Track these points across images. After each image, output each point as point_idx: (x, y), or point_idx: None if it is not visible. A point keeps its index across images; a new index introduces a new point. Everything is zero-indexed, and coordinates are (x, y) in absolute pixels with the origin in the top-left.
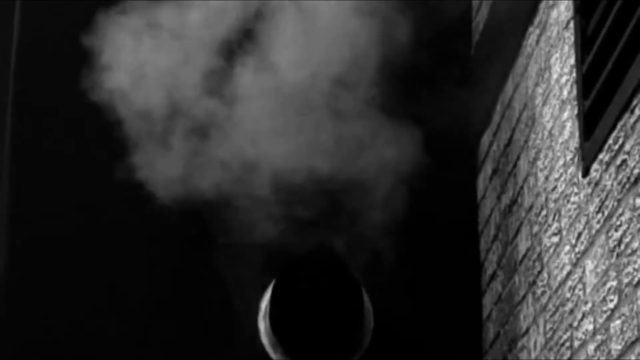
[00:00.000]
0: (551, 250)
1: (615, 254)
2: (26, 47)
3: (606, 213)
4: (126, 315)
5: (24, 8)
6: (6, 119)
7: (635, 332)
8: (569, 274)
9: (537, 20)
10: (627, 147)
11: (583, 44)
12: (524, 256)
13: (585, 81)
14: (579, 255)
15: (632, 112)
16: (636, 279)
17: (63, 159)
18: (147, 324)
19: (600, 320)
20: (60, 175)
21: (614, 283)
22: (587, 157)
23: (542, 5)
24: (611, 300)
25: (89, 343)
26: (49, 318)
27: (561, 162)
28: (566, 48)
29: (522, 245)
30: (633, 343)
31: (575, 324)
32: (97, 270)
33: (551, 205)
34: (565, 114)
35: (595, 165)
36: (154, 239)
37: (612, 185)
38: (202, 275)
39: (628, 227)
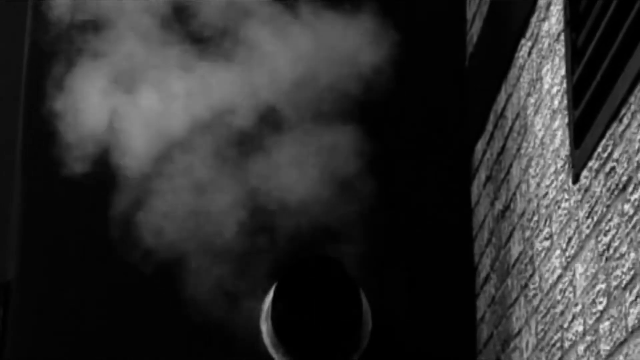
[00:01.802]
0: (542, 254)
1: (604, 258)
2: (34, 52)
3: (595, 218)
4: (128, 316)
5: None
6: (17, 127)
7: (624, 333)
8: (560, 277)
9: (529, 32)
10: (615, 154)
11: (573, 56)
12: (517, 260)
13: (576, 91)
14: (569, 259)
15: (621, 121)
16: (624, 282)
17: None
18: (149, 325)
19: (590, 322)
20: (67, 188)
21: (603, 286)
22: (577, 164)
23: (534, 18)
24: (600, 303)
25: (89, 342)
26: (53, 321)
27: (552, 169)
28: (557, 60)
29: (515, 249)
30: (621, 344)
31: (565, 325)
32: (97, 271)
33: (542, 210)
34: (556, 123)
35: (585, 173)
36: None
37: (601, 191)
38: (204, 276)
39: (617, 232)
